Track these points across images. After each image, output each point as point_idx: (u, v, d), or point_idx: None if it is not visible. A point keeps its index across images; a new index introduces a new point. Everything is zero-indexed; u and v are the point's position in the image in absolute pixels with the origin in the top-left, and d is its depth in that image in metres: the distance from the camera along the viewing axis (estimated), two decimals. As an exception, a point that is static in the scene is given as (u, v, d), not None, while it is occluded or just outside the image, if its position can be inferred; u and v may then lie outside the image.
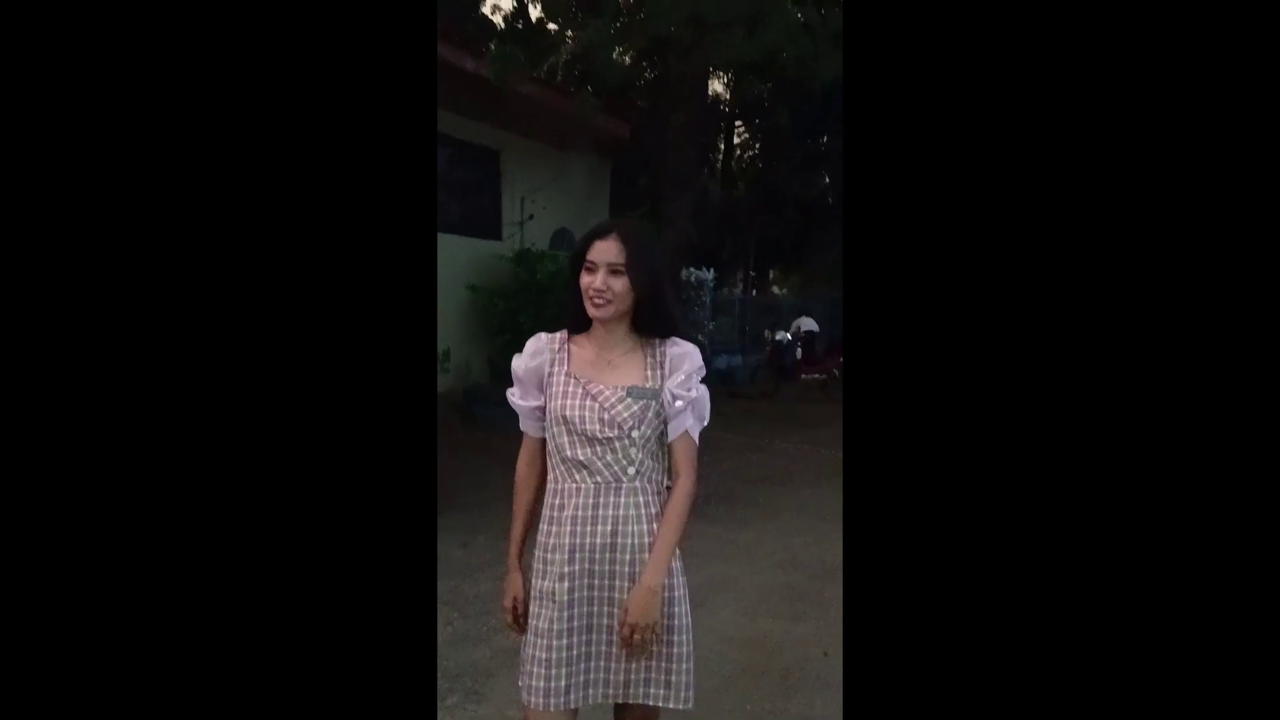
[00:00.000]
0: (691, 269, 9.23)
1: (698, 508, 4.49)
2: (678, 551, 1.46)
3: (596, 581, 1.42)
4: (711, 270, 9.81)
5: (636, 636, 1.38)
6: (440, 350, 6.96)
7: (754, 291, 12.80)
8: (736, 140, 13.88)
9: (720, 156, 13.76)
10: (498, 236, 7.88)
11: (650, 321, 1.44)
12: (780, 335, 10.86)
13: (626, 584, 1.41)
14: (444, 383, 7.00)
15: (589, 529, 1.41)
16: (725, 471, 5.63)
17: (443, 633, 2.99)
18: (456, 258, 7.22)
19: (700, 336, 9.41)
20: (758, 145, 13.28)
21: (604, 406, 1.40)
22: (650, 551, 1.42)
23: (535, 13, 7.90)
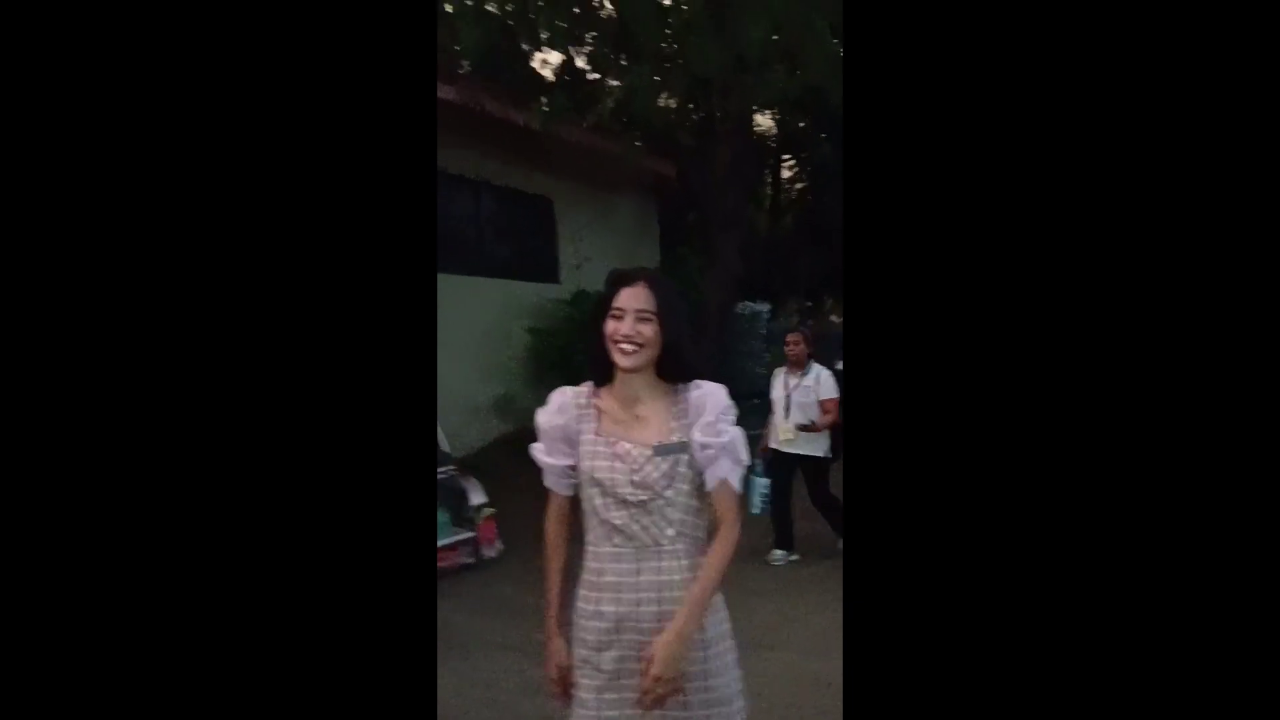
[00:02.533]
0: (746, 303, 9.21)
1: (757, 545, 4.43)
2: (720, 593, 1.40)
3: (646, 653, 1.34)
4: (767, 303, 9.77)
5: (659, 689, 1.29)
6: (502, 393, 7.10)
7: (810, 321, 12.68)
8: (785, 175, 13.92)
9: (769, 190, 13.80)
10: (555, 279, 8.06)
11: (673, 368, 1.40)
12: (839, 365, 10.66)
13: None
14: (508, 425, 7.12)
15: (634, 596, 1.34)
16: (790, 506, 5.53)
17: (514, 681, 3.02)
18: (516, 303, 7.40)
19: (759, 369, 9.34)
20: (806, 178, 13.30)
21: (632, 468, 1.35)
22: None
23: (581, 62, 8.17)
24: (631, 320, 1.34)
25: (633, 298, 1.35)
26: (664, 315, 1.35)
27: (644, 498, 1.34)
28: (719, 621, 1.39)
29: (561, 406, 1.43)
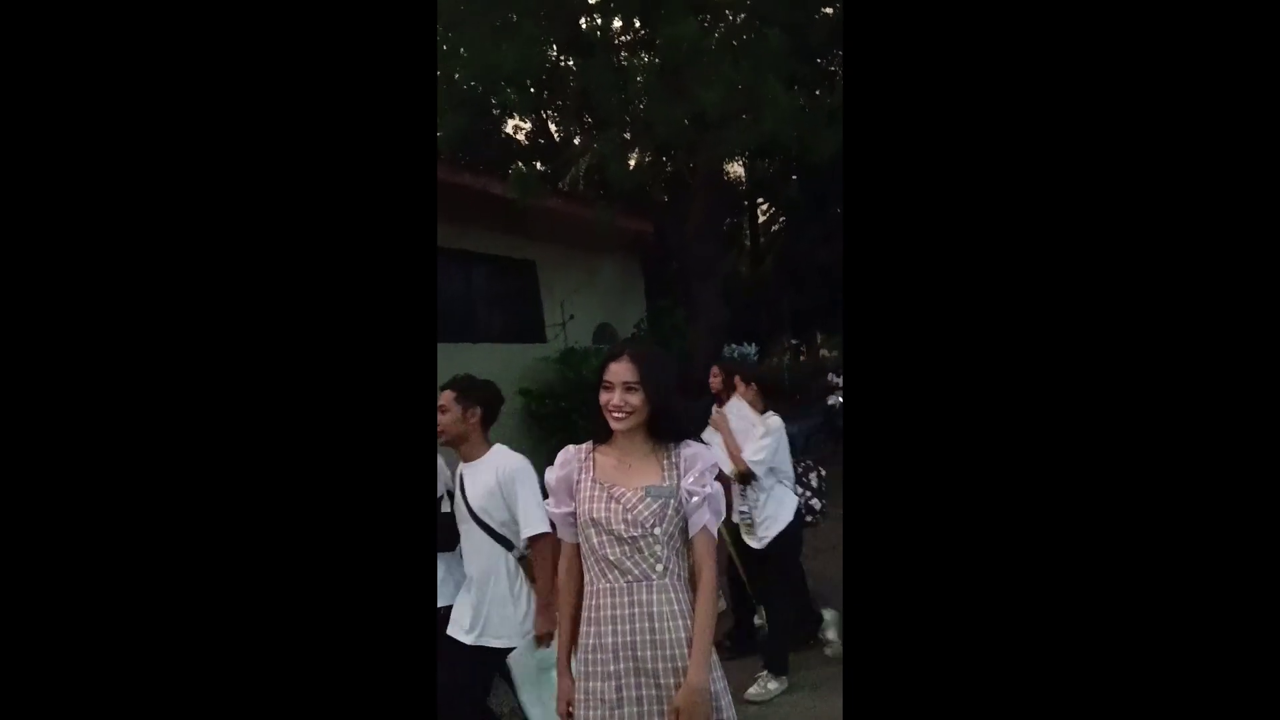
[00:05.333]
0: (734, 345, 9.35)
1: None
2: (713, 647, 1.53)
3: (645, 680, 1.48)
4: (754, 345, 9.90)
5: None
6: (499, 457, 7.13)
7: (801, 358, 12.84)
8: (761, 218, 14.26)
9: (747, 235, 14.11)
10: (543, 339, 8.20)
11: (664, 428, 1.59)
12: (831, 400, 10.72)
13: (672, 680, 1.47)
14: (506, 489, 7.12)
15: (629, 626, 1.49)
16: (791, 544, 5.51)
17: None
18: (506, 366, 7.52)
19: (750, 411, 9.38)
20: (781, 221, 13.62)
21: (626, 507, 1.52)
22: (690, 647, 1.48)
23: (554, 129, 8.46)
24: (620, 392, 1.54)
25: (619, 372, 1.55)
26: (647, 384, 1.54)
27: (636, 534, 1.51)
28: (717, 679, 1.53)
29: (564, 461, 1.64)
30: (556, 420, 7.17)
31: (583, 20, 6.56)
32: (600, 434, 1.63)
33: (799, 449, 10.13)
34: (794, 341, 12.95)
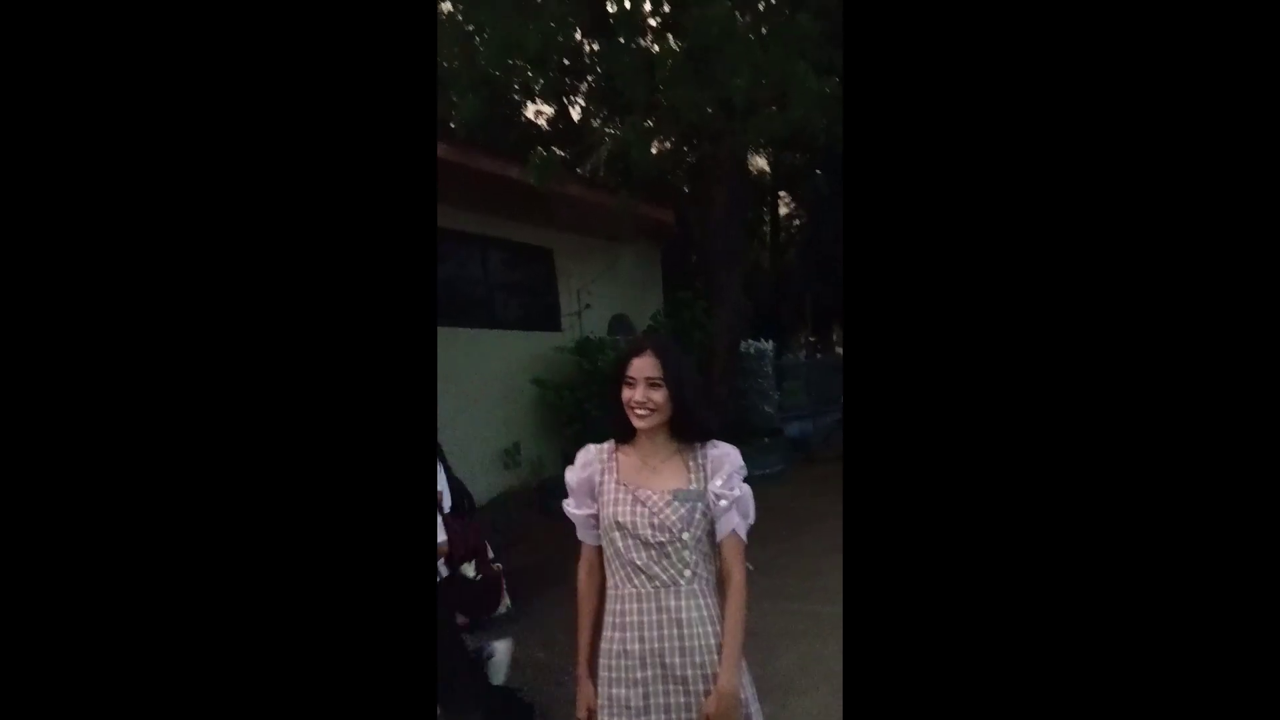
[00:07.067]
0: (750, 341, 9.23)
1: (781, 586, 4.28)
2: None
3: (673, 686, 1.44)
4: (770, 341, 9.78)
5: None
6: (510, 444, 7.09)
7: (818, 354, 12.72)
8: (784, 211, 14.16)
9: (768, 227, 14.01)
10: (558, 328, 8.11)
11: (688, 427, 1.51)
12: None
13: (701, 687, 1.43)
14: (516, 477, 7.08)
15: (656, 633, 1.44)
16: (806, 543, 5.45)
17: (530, 739, 2.94)
18: (519, 353, 7.45)
19: (767, 408, 9.29)
20: (803, 213, 13.53)
21: (653, 511, 1.46)
22: (719, 653, 1.44)
23: (576, 114, 8.37)
24: (643, 388, 1.47)
25: (642, 367, 1.48)
26: (671, 380, 1.47)
27: (663, 539, 1.45)
28: (746, 685, 1.49)
29: (586, 462, 1.57)
30: (571, 410, 7.09)
31: (609, 2, 6.43)
32: (621, 433, 1.55)
33: (818, 447, 9.98)
34: (811, 339, 12.82)
